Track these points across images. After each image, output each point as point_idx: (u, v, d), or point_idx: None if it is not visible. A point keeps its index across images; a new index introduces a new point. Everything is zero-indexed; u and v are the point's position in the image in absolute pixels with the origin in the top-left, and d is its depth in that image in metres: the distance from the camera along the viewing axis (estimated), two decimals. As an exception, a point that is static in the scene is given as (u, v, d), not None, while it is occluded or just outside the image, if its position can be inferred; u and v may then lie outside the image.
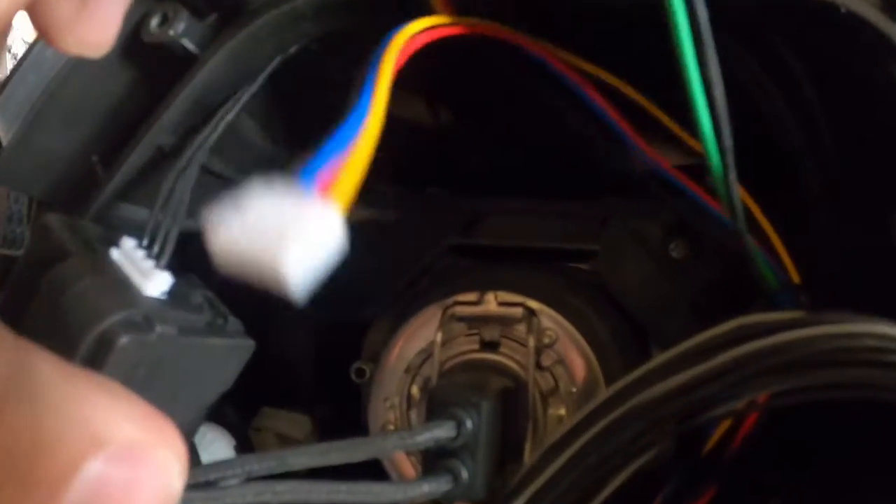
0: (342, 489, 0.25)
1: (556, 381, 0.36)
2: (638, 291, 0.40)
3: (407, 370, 0.39)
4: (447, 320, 0.38)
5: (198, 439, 0.41)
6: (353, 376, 0.45)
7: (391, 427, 0.39)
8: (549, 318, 0.37)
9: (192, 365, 0.26)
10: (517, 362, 0.36)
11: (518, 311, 0.37)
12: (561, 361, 0.37)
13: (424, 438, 0.30)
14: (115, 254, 0.26)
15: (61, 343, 0.21)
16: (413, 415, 0.39)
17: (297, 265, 0.17)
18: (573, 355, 0.36)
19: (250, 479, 0.23)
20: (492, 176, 0.45)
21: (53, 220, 0.27)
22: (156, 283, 0.26)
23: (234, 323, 0.30)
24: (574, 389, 0.36)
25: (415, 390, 0.39)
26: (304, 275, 0.17)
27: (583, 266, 0.41)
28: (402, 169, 0.44)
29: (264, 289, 0.17)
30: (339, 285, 0.45)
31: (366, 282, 0.44)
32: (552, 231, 0.42)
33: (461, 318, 0.38)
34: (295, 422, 0.47)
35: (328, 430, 0.47)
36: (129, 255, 0.26)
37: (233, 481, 0.23)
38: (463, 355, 0.37)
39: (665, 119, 0.36)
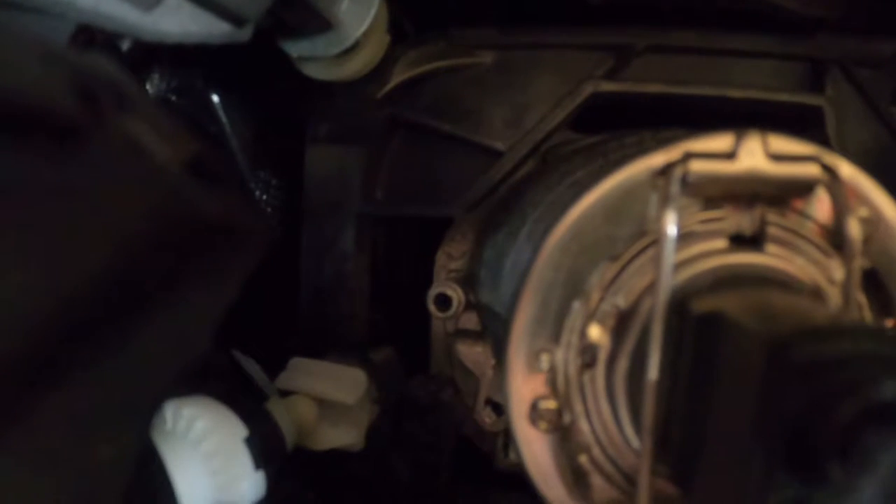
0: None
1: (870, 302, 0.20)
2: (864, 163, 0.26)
3: (582, 297, 0.20)
4: (668, 188, 0.19)
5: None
6: (431, 307, 0.31)
7: (548, 416, 0.20)
8: (862, 189, 0.20)
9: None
10: (806, 273, 0.19)
11: (812, 169, 0.19)
12: (880, 270, 0.20)
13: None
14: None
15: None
16: (594, 382, 0.20)
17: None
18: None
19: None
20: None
21: None
22: None
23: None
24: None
25: (596, 332, 0.20)
26: None
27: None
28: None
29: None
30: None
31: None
32: (748, 75, 0.25)
33: (701, 183, 0.19)
34: (344, 379, 0.29)
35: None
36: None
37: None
38: (704, 258, 0.19)
39: None
